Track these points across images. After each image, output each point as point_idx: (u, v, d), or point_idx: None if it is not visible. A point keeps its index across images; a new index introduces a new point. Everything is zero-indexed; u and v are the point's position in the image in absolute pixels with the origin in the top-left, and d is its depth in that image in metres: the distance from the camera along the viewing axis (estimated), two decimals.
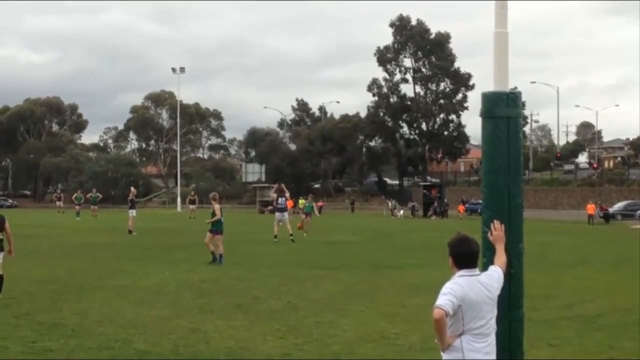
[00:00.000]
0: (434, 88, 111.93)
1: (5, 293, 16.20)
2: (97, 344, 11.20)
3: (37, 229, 39.89)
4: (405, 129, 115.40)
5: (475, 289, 5.86)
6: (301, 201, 66.80)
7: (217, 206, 24.88)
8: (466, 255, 5.91)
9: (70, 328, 12.39)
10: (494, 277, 5.95)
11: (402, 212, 79.15)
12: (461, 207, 77.02)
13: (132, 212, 40.13)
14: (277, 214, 36.01)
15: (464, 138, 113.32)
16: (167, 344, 11.25)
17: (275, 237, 34.57)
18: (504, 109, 5.65)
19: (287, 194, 36.97)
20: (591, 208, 61.60)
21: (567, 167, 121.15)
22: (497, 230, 5.87)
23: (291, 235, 34.80)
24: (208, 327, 12.54)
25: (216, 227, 24.39)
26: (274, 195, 36.82)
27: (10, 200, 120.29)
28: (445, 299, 5.74)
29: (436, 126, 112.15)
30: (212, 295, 16.33)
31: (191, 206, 68.89)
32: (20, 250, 28.14)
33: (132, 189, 44.15)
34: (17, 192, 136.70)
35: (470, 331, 5.78)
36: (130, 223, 39.36)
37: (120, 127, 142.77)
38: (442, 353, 5.83)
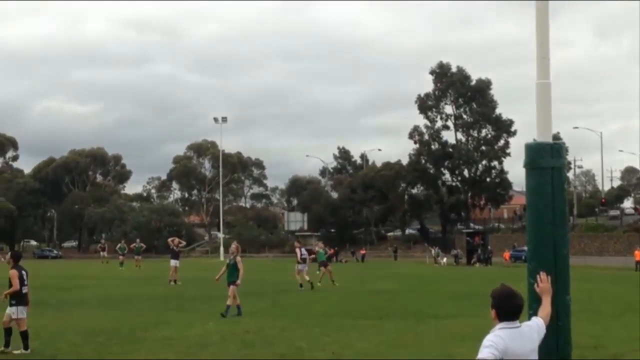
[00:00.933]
0: (476, 135, 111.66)
1: (50, 344, 16.34)
2: None
3: (82, 280, 40.19)
4: (447, 175, 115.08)
5: (516, 341, 5.85)
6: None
7: (239, 260, 24.16)
8: (511, 311, 5.92)
9: None
10: (533, 327, 5.93)
11: (445, 259, 78.64)
12: (506, 255, 76.47)
13: (175, 262, 40.16)
14: (298, 265, 38.52)
15: (507, 184, 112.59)
16: None
17: (301, 285, 36.69)
18: (548, 159, 5.63)
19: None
20: (639, 254, 60.72)
21: (612, 212, 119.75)
22: (544, 282, 5.82)
23: (301, 285, 36.82)
24: None
25: (229, 279, 23.96)
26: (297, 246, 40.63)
27: (55, 251, 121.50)
28: (487, 351, 5.75)
29: (478, 173, 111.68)
30: (256, 346, 16.30)
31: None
32: (65, 301, 28.41)
33: (176, 239, 43.90)
34: (62, 242, 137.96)
35: None
36: (172, 272, 39.47)
37: (164, 177, 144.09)
38: None
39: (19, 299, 15.57)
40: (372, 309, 25.70)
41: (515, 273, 48.97)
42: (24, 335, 15.45)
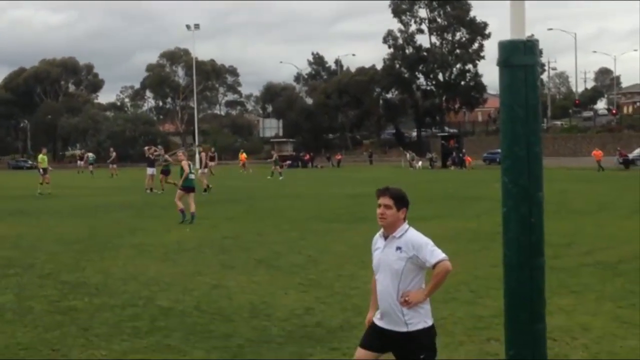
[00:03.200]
0: (450, 38, 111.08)
1: (29, 253, 16.38)
2: (121, 301, 11.29)
3: (58, 189, 40.07)
4: (421, 80, 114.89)
5: None
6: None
7: (184, 163, 24.19)
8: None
9: (94, 287, 12.50)
10: None
11: (420, 163, 79.05)
12: (468, 159, 77.44)
13: (151, 171, 39.97)
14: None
15: (481, 87, 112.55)
16: (189, 300, 11.33)
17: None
18: (521, 57, 5.59)
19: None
20: (598, 154, 61.13)
21: (586, 114, 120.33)
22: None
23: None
24: (230, 283, 12.62)
25: (186, 184, 23.87)
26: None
27: (30, 162, 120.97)
28: (439, 250, 6.06)
29: (453, 76, 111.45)
30: (233, 251, 16.42)
31: (211, 163, 69.51)
32: (42, 210, 28.43)
33: (153, 148, 43.44)
34: (36, 153, 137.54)
35: None
36: (148, 181, 39.39)
37: (137, 86, 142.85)
38: (422, 305, 5.96)
39: None
40: (347, 213, 25.88)
41: (489, 175, 49.40)
42: None
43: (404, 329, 5.88)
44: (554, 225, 17.65)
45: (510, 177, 5.72)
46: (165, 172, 38.85)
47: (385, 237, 6.11)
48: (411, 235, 6.07)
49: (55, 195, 37.32)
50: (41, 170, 40.27)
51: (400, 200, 6.11)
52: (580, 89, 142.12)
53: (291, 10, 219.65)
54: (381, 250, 6.08)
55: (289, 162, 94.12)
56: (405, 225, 6.11)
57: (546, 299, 5.29)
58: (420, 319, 5.91)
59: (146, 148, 43.28)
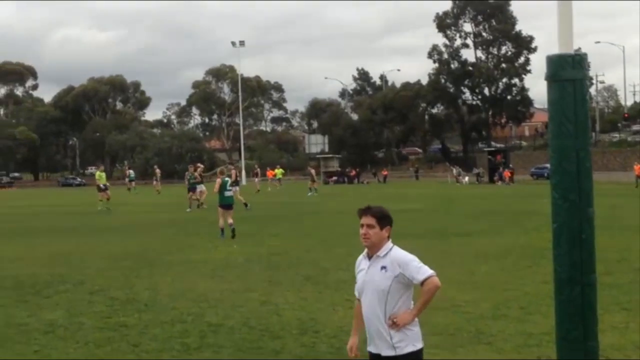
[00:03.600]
0: (496, 52, 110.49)
1: (78, 270, 16.56)
2: (170, 318, 11.36)
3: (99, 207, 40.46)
4: (467, 94, 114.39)
5: None
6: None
7: (218, 180, 24.78)
8: None
9: (144, 303, 12.59)
10: None
11: (467, 178, 78.63)
12: (507, 173, 76.97)
13: (201, 187, 40.25)
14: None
15: (528, 102, 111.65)
16: (238, 316, 11.36)
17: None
18: (569, 71, 5.56)
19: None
20: (638, 168, 59.67)
21: (636, 127, 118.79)
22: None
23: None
24: (278, 300, 12.64)
25: (221, 202, 24.42)
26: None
27: (79, 179, 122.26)
28: (426, 267, 5.93)
29: (499, 91, 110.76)
30: (280, 268, 16.45)
31: (256, 179, 70.14)
32: (91, 227, 28.74)
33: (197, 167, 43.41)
34: (85, 170, 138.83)
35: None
36: (199, 196, 39.68)
37: (183, 102, 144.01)
38: (410, 326, 5.79)
39: None
40: (394, 228, 25.71)
41: (537, 190, 49.03)
42: None
43: (391, 353, 5.72)
44: (605, 241, 17.43)
45: (560, 193, 5.69)
46: (193, 189, 39.00)
47: (370, 257, 5.97)
48: (396, 253, 5.94)
49: (106, 213, 37.70)
50: (102, 186, 41.24)
51: (384, 219, 6.01)
52: (629, 102, 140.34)
53: (336, 26, 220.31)
54: (365, 271, 5.93)
55: (334, 178, 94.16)
56: (390, 244, 6.00)
57: (598, 316, 5.24)
58: (408, 342, 5.74)
59: (190, 166, 43.61)
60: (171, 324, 10.94)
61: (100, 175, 42.19)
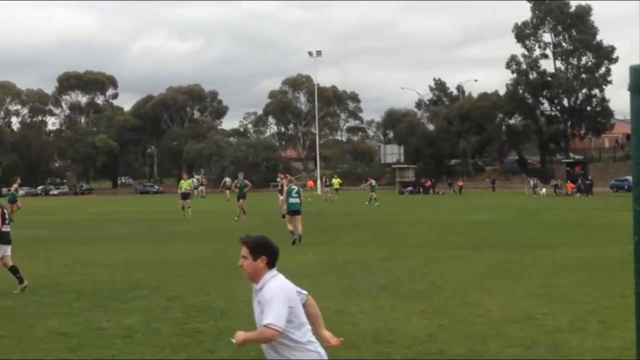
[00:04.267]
0: (575, 62, 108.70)
1: (155, 276, 16.76)
2: (245, 325, 11.37)
3: (178, 215, 40.92)
4: (545, 105, 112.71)
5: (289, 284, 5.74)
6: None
7: (285, 189, 25.96)
8: (277, 255, 5.76)
9: (219, 310, 12.67)
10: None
11: (544, 190, 77.66)
12: (570, 185, 76.24)
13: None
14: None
15: (608, 113, 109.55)
16: None
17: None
18: None
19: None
20: None
21: None
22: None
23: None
24: (353, 309, 12.62)
25: (288, 208, 25.47)
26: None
27: (156, 187, 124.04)
28: (276, 315, 5.40)
29: (578, 101, 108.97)
30: (356, 277, 16.42)
31: (326, 189, 70.64)
32: (168, 234, 29.09)
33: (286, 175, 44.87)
34: (162, 178, 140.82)
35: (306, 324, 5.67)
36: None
37: (260, 112, 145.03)
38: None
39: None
40: (470, 239, 25.62)
41: (616, 202, 48.16)
42: (13, 271, 15.13)
43: None
44: None
45: None
46: (242, 196, 39.00)
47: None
48: (268, 288, 5.57)
49: (182, 219, 38.12)
50: (197, 191, 42.89)
51: (257, 249, 5.68)
52: None
53: (413, 36, 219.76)
54: (253, 303, 5.74)
55: (410, 188, 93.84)
56: (267, 276, 5.65)
57: None
58: None
59: (280, 175, 45.49)
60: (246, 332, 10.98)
61: (181, 184, 43.23)
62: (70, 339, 10.57)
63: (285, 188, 26.00)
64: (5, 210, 15.42)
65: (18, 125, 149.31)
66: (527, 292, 14.03)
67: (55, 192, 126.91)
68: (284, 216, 30.14)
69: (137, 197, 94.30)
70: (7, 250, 15.21)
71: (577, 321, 11.13)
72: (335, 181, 73.25)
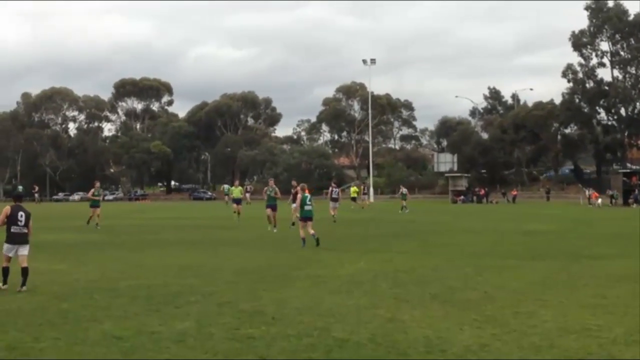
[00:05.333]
0: (634, 71, 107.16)
1: (208, 282, 16.86)
2: (297, 331, 11.42)
3: (231, 222, 41.16)
4: (602, 115, 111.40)
5: None
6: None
7: (298, 196, 27.69)
8: None
9: (271, 316, 12.69)
10: None
11: (600, 200, 76.69)
12: (595, 194, 75.80)
13: (333, 205, 44.15)
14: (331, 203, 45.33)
15: None
16: (364, 332, 11.33)
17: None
18: None
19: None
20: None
21: None
22: None
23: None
24: (405, 317, 12.56)
25: (301, 214, 27.29)
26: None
27: (209, 193, 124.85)
28: None
29: (636, 111, 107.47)
30: (407, 285, 16.35)
31: (363, 196, 71.68)
32: (220, 241, 29.26)
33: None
34: (216, 184, 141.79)
35: None
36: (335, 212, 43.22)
37: (313, 119, 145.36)
38: None
39: (7, 236, 15.84)
40: (524, 249, 25.39)
41: None
42: (24, 272, 15.69)
43: None
44: None
45: None
46: (271, 206, 36.18)
47: None
48: None
49: (234, 226, 38.34)
50: (248, 198, 43.72)
51: None
52: None
53: (468, 44, 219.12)
54: None
55: (462, 197, 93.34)
56: None
57: None
58: None
59: (294, 183, 45.86)
60: (298, 338, 10.99)
61: (231, 190, 43.99)
62: (124, 342, 10.66)
63: (300, 196, 27.45)
64: (21, 213, 15.99)
65: (75, 131, 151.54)
66: (582, 303, 13.85)
67: (110, 197, 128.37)
68: (293, 224, 30.36)
69: (190, 203, 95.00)
70: (19, 250, 15.78)
71: (633, 333, 10.95)
72: (353, 189, 72.85)
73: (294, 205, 34.96)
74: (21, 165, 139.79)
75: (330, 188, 48.88)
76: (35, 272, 18.17)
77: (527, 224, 39.88)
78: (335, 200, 45.47)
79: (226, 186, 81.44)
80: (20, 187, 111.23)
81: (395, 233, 33.91)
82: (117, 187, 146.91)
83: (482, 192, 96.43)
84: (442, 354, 10.08)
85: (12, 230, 15.79)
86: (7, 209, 16.00)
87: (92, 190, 39.96)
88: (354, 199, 70.47)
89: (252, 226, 38.33)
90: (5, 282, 15.82)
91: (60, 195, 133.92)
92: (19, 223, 15.84)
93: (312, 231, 26.49)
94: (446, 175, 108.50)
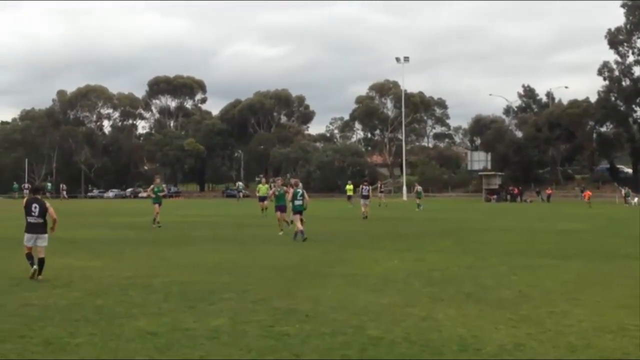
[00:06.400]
0: None
1: (242, 279, 16.89)
2: (331, 329, 11.41)
3: (268, 219, 41.21)
4: (639, 113, 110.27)
5: None
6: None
7: (290, 190, 29.89)
8: None
9: (305, 314, 12.69)
10: None
11: (636, 199, 76.01)
12: (587, 193, 75.69)
13: (365, 201, 45.67)
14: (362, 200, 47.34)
15: None
16: (398, 331, 11.31)
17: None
18: None
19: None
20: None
21: None
22: None
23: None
24: (439, 315, 12.51)
25: (295, 208, 29.01)
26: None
27: (244, 191, 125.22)
28: None
29: None
30: (441, 284, 16.29)
31: (380, 194, 72.57)
32: (253, 238, 29.32)
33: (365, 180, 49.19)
34: (249, 182, 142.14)
35: None
36: (364, 209, 44.71)
37: (346, 117, 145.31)
38: None
39: (25, 226, 17.06)
40: (558, 248, 25.23)
41: None
42: (40, 262, 16.69)
43: None
44: None
45: None
46: (280, 207, 33.27)
47: None
48: None
49: (267, 224, 38.38)
50: (262, 197, 44.97)
51: None
52: None
53: (503, 41, 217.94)
54: None
55: (495, 195, 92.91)
56: None
57: None
58: None
59: (364, 181, 48.72)
60: (332, 336, 10.98)
61: (260, 188, 45.06)
62: (159, 338, 10.71)
63: (291, 191, 29.53)
64: (35, 205, 17.06)
65: (109, 129, 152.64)
66: (618, 303, 13.73)
67: (144, 194, 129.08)
68: (291, 222, 30.35)
69: (223, 201, 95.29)
70: (36, 240, 16.84)
71: None
72: (349, 187, 72.28)
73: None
74: (57, 162, 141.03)
75: (361, 186, 50.28)
76: (71, 268, 18.37)
77: (562, 223, 39.63)
78: (366, 197, 46.90)
79: (240, 183, 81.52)
80: (49, 184, 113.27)
81: (428, 232, 33.81)
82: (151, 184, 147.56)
83: (516, 191, 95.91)
84: (476, 352, 10.03)
85: (28, 220, 17.02)
86: (23, 201, 17.52)
87: (152, 186, 38.90)
88: (349, 197, 70.58)
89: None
90: (32, 265, 16.66)
91: (95, 192, 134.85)
92: (33, 214, 16.97)
93: (299, 225, 28.38)
94: (480, 173, 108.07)
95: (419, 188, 64.81)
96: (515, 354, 9.96)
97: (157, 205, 37.43)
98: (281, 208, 32.20)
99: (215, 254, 23.22)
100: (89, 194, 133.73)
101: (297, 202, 28.88)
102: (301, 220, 28.63)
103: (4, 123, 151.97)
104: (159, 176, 43.04)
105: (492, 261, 20.89)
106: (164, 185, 37.77)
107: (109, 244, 27.06)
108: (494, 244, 27.06)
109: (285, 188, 33.23)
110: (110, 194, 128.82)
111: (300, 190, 29.28)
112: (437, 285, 16.06)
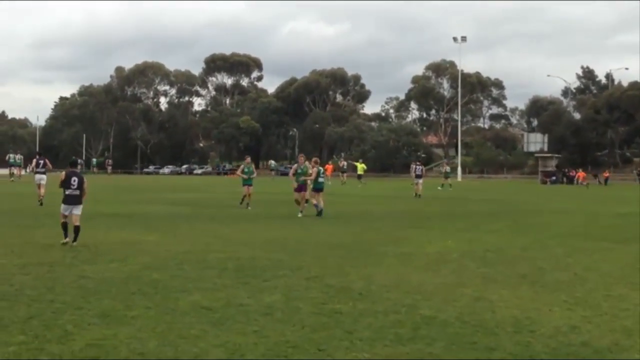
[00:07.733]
0: None
1: (296, 256, 16.94)
2: (384, 308, 11.39)
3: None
4: None
5: None
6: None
7: (314, 170, 30.11)
8: None
9: (358, 292, 12.69)
10: None
11: None
12: (580, 174, 74.82)
13: (417, 180, 46.81)
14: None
15: None
16: (452, 310, 11.26)
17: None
18: None
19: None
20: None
21: None
22: None
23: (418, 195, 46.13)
24: (493, 296, 12.43)
25: (314, 186, 30.11)
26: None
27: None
28: None
29: None
30: (496, 265, 16.18)
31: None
32: (306, 216, 29.37)
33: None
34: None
35: None
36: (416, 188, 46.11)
37: (402, 97, 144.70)
38: None
39: (63, 198, 18.41)
40: (615, 232, 24.91)
41: None
42: (76, 229, 18.09)
43: None
44: None
45: None
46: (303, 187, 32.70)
47: None
48: None
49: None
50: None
51: None
52: None
53: (565, 20, 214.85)
54: None
55: (553, 177, 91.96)
56: None
57: None
58: None
59: (417, 161, 50.21)
60: (385, 314, 10.97)
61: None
62: (213, 313, 10.79)
63: (315, 169, 30.04)
64: (75, 178, 18.38)
65: (166, 106, 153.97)
66: None
67: (199, 171, 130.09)
68: (307, 200, 30.19)
69: (277, 179, 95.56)
70: (72, 210, 18.21)
71: None
72: (360, 166, 72.39)
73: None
74: (114, 138, 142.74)
75: (413, 165, 52.38)
76: (127, 242, 18.58)
77: (620, 207, 39.11)
78: (419, 177, 47.85)
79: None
80: (94, 160, 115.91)
81: (483, 212, 33.60)
82: (207, 161, 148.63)
83: (574, 172, 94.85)
84: (531, 334, 9.95)
85: (66, 192, 18.25)
86: (62, 174, 18.59)
87: (242, 166, 35.87)
88: (360, 176, 71.21)
89: (334, 202, 38.37)
90: (66, 236, 18.08)
91: (151, 168, 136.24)
92: (72, 187, 18.21)
93: (315, 201, 29.81)
94: (536, 155, 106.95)
95: (447, 168, 66.00)
96: (570, 336, 9.86)
97: (246, 187, 34.35)
98: (301, 188, 30.47)
99: (269, 230, 23.34)
100: (145, 170, 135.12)
101: (320, 180, 30.14)
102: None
103: (63, 99, 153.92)
104: (249, 156, 38.84)
105: (547, 243, 20.69)
106: (252, 165, 34.79)
107: (165, 219, 27.33)
108: (550, 226, 26.83)
109: (310, 165, 30.78)
110: (166, 170, 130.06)
111: (321, 169, 30.78)
112: (491, 266, 15.96)
